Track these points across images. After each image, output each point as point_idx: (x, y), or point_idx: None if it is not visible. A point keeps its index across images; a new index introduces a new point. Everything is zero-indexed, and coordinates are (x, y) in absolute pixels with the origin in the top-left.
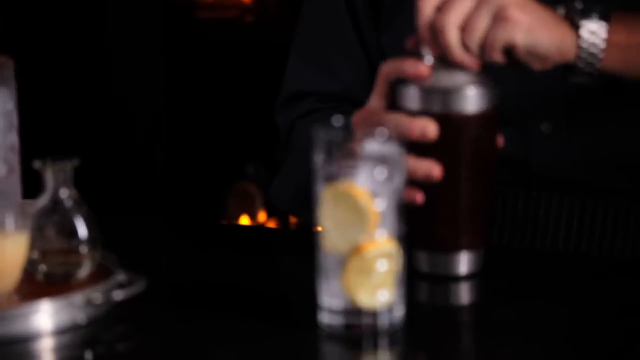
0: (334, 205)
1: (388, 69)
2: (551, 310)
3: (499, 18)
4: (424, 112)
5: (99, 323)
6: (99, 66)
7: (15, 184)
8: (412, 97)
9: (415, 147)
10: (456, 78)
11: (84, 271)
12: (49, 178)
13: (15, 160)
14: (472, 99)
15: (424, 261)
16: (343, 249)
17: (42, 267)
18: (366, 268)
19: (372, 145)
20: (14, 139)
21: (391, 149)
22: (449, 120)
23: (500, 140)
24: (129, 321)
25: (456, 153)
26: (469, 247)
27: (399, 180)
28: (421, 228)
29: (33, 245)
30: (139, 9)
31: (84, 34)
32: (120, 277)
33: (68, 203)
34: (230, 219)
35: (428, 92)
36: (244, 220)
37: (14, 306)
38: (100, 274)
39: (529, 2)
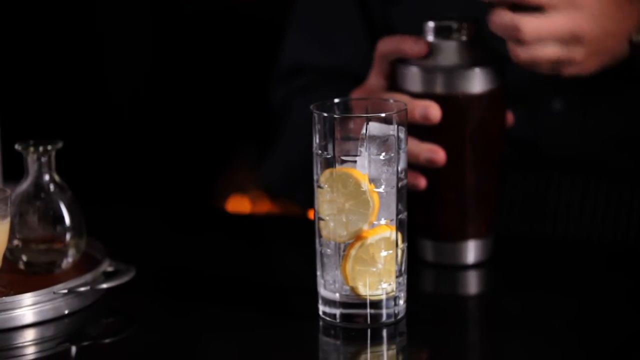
0: (333, 190)
1: (385, 47)
2: (557, 302)
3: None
4: (425, 94)
5: (84, 314)
6: (84, 47)
7: None
8: (412, 77)
9: (418, 129)
10: (459, 56)
11: (69, 260)
12: (31, 161)
13: None
14: (476, 79)
15: (429, 250)
16: (343, 237)
17: (24, 256)
18: (367, 256)
19: (373, 128)
20: None
21: (392, 131)
22: (452, 102)
23: (510, 118)
24: (116, 312)
25: (461, 136)
26: (476, 235)
27: (400, 164)
28: (425, 215)
29: (14, 233)
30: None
31: (69, 13)
32: (107, 266)
33: (51, 188)
34: (220, 201)
35: (429, 72)
36: (235, 202)
37: None
38: (85, 263)
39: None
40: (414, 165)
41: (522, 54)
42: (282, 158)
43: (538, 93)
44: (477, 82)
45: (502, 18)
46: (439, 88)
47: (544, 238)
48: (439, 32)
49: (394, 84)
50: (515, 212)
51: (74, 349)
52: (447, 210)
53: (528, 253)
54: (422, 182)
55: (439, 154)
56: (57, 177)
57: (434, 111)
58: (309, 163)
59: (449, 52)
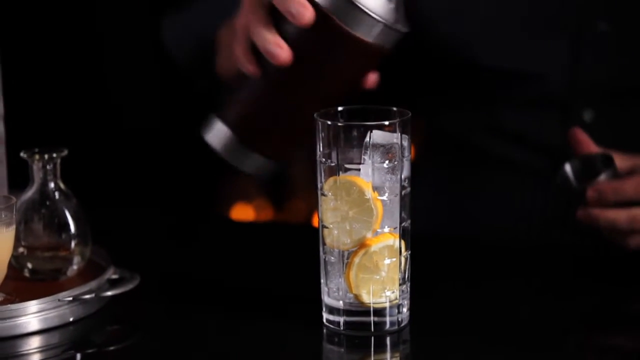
0: (337, 198)
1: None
2: (562, 311)
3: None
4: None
5: (89, 322)
6: (89, 53)
7: (1, 176)
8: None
9: (288, 31)
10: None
11: (74, 268)
12: (37, 169)
13: (1, 150)
14: (363, 22)
15: (222, 137)
16: (347, 244)
17: (29, 264)
18: (371, 264)
19: (376, 136)
20: (0, 128)
21: (395, 139)
22: (328, 25)
23: (372, 79)
24: (121, 320)
25: (318, 65)
26: (263, 151)
27: (404, 172)
28: (237, 106)
29: (19, 240)
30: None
31: (73, 20)
32: (112, 273)
33: (56, 196)
34: (224, 209)
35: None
36: (239, 210)
37: None
38: (90, 271)
39: None
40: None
41: (632, 243)
42: (197, 27)
43: (569, 102)
44: (366, 28)
45: (602, 216)
46: (322, 1)
47: (560, 245)
48: None
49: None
50: (544, 220)
51: (78, 357)
52: (256, 115)
53: (539, 264)
54: (251, 68)
55: (281, 54)
56: (62, 185)
57: (308, 13)
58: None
59: None
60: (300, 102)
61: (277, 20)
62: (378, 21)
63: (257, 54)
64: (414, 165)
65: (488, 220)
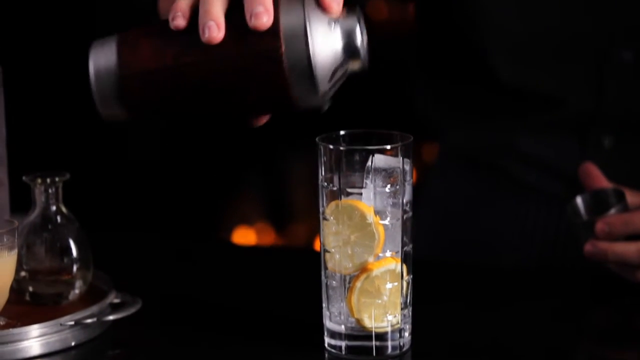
0: (339, 223)
1: None
2: (569, 334)
3: None
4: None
5: (91, 346)
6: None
7: (3, 199)
8: None
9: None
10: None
11: (75, 292)
12: (39, 193)
13: (3, 174)
14: (305, 85)
15: (105, 62)
16: (348, 269)
17: (31, 287)
18: (373, 288)
19: (378, 161)
20: (2, 151)
21: (397, 163)
22: (272, 56)
23: (262, 121)
24: (123, 344)
25: (232, 67)
26: (131, 101)
27: (406, 196)
28: (142, 46)
29: (21, 264)
30: (132, 18)
31: (75, 45)
32: (114, 298)
33: (58, 220)
34: (226, 233)
35: None
36: (240, 234)
37: (0, 329)
38: (92, 295)
39: None
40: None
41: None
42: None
43: (589, 127)
44: (304, 91)
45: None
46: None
47: (572, 270)
48: None
49: None
50: (558, 244)
51: None
52: (152, 67)
53: (546, 286)
54: (179, 22)
55: (213, 35)
56: (64, 209)
57: (266, 20)
58: None
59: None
60: (195, 86)
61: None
62: (317, 93)
63: (194, 14)
64: (421, 188)
65: (495, 244)
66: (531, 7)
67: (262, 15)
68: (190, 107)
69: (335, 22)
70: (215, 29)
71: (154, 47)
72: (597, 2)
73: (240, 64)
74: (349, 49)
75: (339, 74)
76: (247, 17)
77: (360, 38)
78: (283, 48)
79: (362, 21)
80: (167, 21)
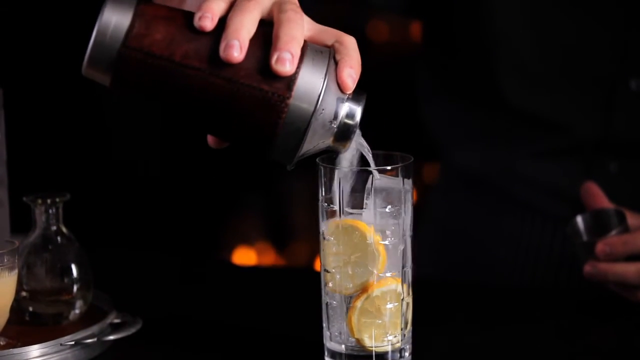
0: (339, 243)
1: None
2: (570, 354)
3: None
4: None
5: None
6: (91, 96)
7: (3, 220)
8: None
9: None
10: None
11: (76, 312)
12: (39, 213)
13: (4, 194)
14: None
15: (115, 24)
16: (349, 289)
17: (31, 307)
18: (373, 308)
19: (379, 181)
20: (2, 172)
21: (398, 184)
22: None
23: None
24: None
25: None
26: (125, 74)
27: (406, 216)
28: (159, 25)
29: (21, 284)
30: None
31: (75, 64)
32: (114, 317)
33: (59, 240)
34: (226, 253)
35: None
36: (241, 254)
37: (1, 349)
38: (92, 315)
39: None
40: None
41: None
42: None
43: (595, 152)
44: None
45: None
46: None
47: (569, 290)
48: None
49: None
50: (563, 267)
51: None
52: (162, 53)
53: (547, 306)
54: (207, 24)
55: (234, 55)
56: (64, 229)
57: (289, 67)
58: None
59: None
60: (187, 90)
61: (259, 33)
62: (295, 155)
63: (222, 21)
64: (422, 208)
65: (497, 264)
66: (545, 33)
67: (287, 63)
68: (171, 106)
69: (343, 98)
70: (237, 50)
71: (169, 35)
72: (609, 31)
73: (243, 93)
74: (344, 128)
75: (321, 145)
76: (272, 57)
77: (357, 123)
78: (290, 101)
79: (363, 108)
80: (191, 14)
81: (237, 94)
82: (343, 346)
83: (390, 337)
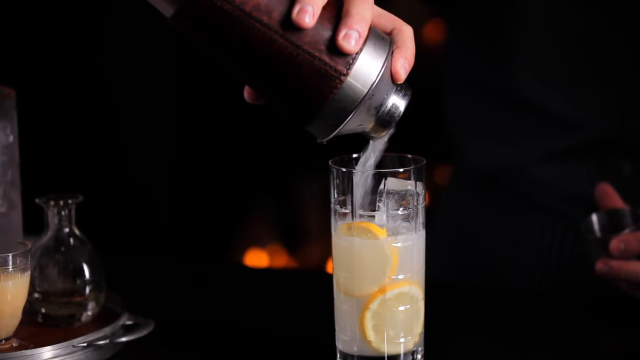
0: (352, 245)
1: None
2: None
3: None
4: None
5: None
6: (104, 100)
7: (16, 221)
8: None
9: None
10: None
11: (88, 313)
12: (52, 215)
13: (16, 196)
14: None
15: None
16: (361, 291)
17: (43, 309)
18: (385, 310)
19: (391, 184)
20: (15, 174)
21: (410, 186)
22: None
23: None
24: None
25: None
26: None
27: (419, 218)
28: None
29: (34, 286)
30: (147, 45)
31: (88, 68)
32: (126, 319)
33: (71, 242)
34: (238, 255)
35: None
36: (253, 256)
37: (12, 351)
38: (104, 317)
39: None
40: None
41: None
42: None
43: (608, 153)
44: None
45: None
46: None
47: (584, 294)
48: None
49: None
50: (575, 267)
51: None
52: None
53: (560, 309)
54: (304, 21)
55: (305, 18)
56: (77, 231)
57: (356, 42)
58: None
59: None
60: (247, 43)
61: (331, 8)
62: (333, 131)
63: None
64: (434, 210)
65: (509, 267)
66: (564, 28)
67: (353, 40)
68: (226, 52)
69: (393, 90)
70: (310, 16)
71: None
72: (627, 30)
73: (302, 59)
74: (387, 116)
75: (360, 128)
76: (340, 32)
77: (400, 114)
78: (345, 79)
79: (408, 102)
80: None
81: (297, 58)
82: (355, 348)
83: (402, 340)
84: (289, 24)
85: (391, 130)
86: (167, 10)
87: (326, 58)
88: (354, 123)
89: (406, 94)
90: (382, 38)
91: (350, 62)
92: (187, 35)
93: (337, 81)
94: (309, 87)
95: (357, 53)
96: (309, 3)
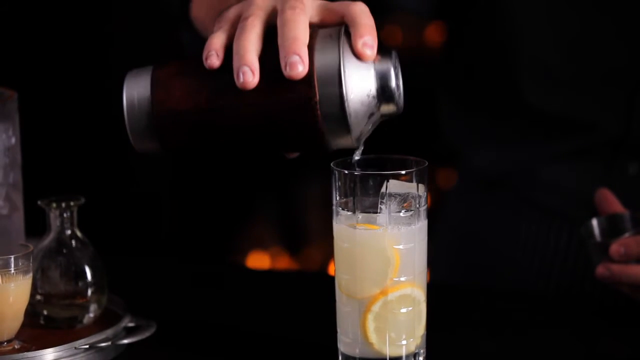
0: (354, 247)
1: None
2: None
3: None
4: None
5: None
6: (106, 102)
7: (18, 223)
8: None
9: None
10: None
11: (90, 315)
12: (54, 217)
13: (18, 198)
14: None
15: (139, 93)
16: (363, 294)
17: (45, 311)
18: (387, 313)
19: (393, 186)
20: (17, 176)
21: (412, 189)
22: (307, 103)
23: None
24: None
25: (266, 108)
26: (164, 135)
27: (420, 221)
28: (175, 82)
29: (36, 288)
30: (151, 50)
31: (89, 69)
32: (128, 321)
33: (73, 244)
34: (240, 257)
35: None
36: (254, 258)
37: (14, 353)
38: (106, 319)
39: None
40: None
41: None
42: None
43: (614, 153)
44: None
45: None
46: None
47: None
48: None
49: None
50: (580, 270)
51: None
52: (186, 104)
53: (563, 314)
54: (213, 62)
55: (248, 80)
56: (79, 233)
57: (301, 70)
58: None
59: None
60: (228, 128)
61: (268, 43)
62: (350, 137)
63: (228, 53)
64: (438, 212)
65: (513, 269)
66: (566, 31)
67: (297, 65)
68: (224, 146)
69: (369, 67)
70: (249, 75)
71: (187, 87)
72: (631, 30)
73: (275, 111)
74: (383, 93)
75: (373, 118)
76: (282, 66)
77: (394, 82)
78: (317, 97)
79: (397, 64)
80: (200, 58)
81: (270, 112)
82: (357, 350)
83: (404, 342)
84: (241, 91)
85: (401, 94)
86: (157, 149)
87: (290, 94)
88: (363, 119)
89: (387, 60)
90: (329, 36)
91: (310, 81)
92: (188, 153)
93: (312, 104)
94: (298, 124)
95: (310, 70)
96: (242, 64)
